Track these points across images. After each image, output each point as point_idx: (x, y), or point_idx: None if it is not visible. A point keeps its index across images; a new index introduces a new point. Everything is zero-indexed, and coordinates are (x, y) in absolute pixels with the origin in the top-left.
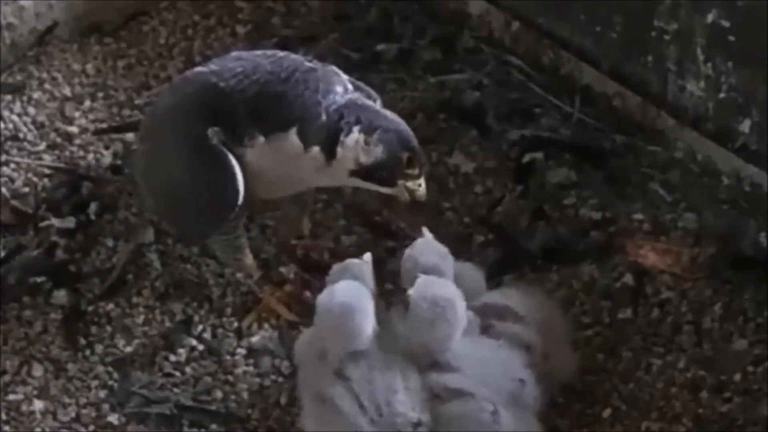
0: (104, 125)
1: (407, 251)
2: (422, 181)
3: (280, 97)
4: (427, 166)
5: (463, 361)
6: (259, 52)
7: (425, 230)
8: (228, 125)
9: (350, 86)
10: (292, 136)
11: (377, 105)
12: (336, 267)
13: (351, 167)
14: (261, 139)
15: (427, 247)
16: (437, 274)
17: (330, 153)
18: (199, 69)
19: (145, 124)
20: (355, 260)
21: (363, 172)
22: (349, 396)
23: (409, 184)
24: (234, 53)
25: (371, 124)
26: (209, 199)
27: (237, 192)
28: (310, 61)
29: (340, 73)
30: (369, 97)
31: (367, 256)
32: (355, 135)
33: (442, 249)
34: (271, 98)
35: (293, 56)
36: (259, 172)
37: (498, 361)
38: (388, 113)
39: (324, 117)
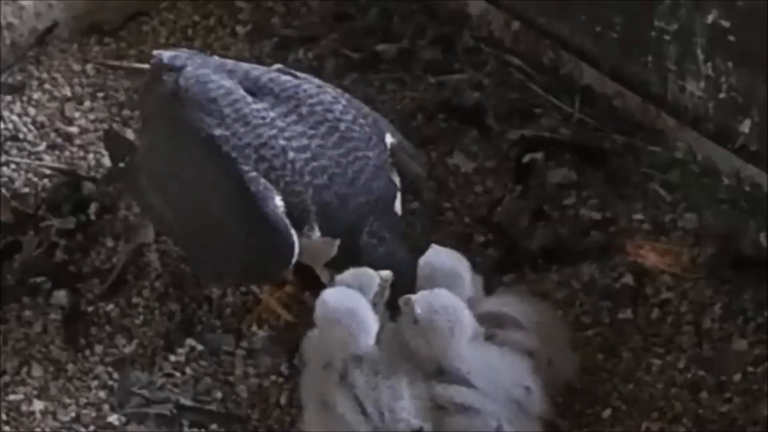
0: (105, 126)
1: (422, 259)
2: None
3: (344, 200)
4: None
5: (470, 367)
6: (320, 108)
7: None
8: (291, 203)
9: (398, 181)
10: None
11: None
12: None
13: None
14: (318, 234)
15: (441, 252)
16: (455, 277)
17: None
18: (255, 106)
19: (161, 114)
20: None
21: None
22: (353, 403)
23: None
24: (286, 83)
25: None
26: (258, 264)
27: (289, 263)
28: (367, 132)
29: (390, 138)
30: (412, 157)
31: (386, 273)
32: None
33: (456, 254)
34: (336, 200)
35: (354, 134)
36: (304, 253)
37: (505, 367)
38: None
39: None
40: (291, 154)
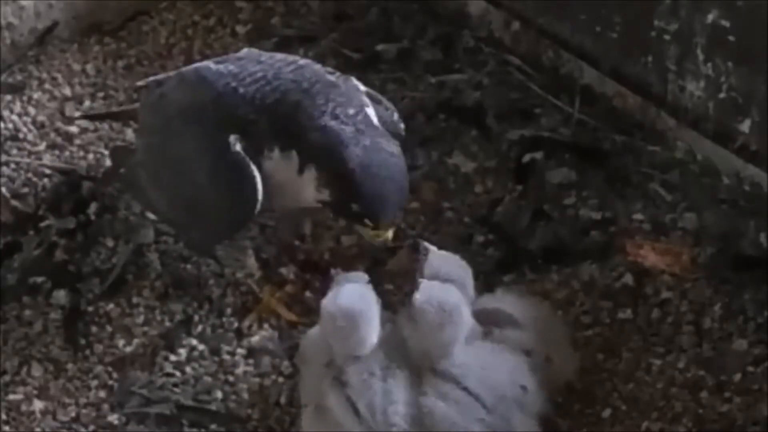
0: (104, 125)
1: (426, 264)
2: (385, 232)
3: (295, 109)
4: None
5: (466, 370)
6: (280, 56)
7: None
8: (249, 134)
9: (368, 101)
10: (294, 155)
11: (394, 115)
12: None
13: (313, 201)
14: (277, 151)
15: (444, 258)
16: (457, 285)
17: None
18: (215, 68)
19: (150, 117)
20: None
21: (327, 206)
22: (346, 403)
23: (366, 231)
24: (253, 52)
25: (328, 163)
26: (227, 207)
27: (256, 202)
28: (332, 74)
29: (360, 86)
30: (386, 109)
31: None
32: (312, 172)
33: (461, 261)
34: (288, 110)
35: (316, 66)
36: (274, 184)
37: (501, 367)
38: (380, 144)
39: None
40: (242, 90)
